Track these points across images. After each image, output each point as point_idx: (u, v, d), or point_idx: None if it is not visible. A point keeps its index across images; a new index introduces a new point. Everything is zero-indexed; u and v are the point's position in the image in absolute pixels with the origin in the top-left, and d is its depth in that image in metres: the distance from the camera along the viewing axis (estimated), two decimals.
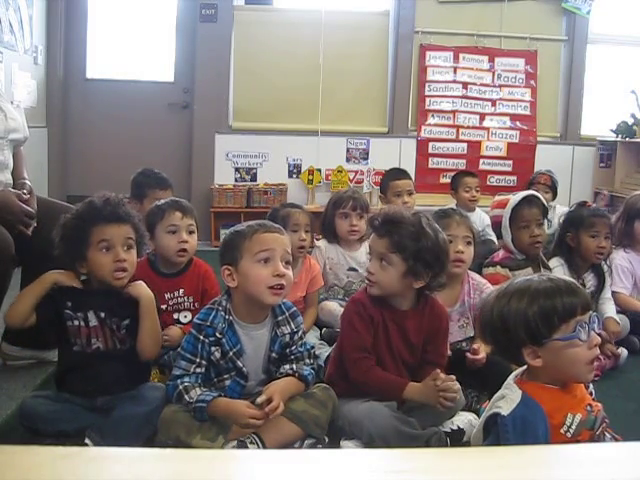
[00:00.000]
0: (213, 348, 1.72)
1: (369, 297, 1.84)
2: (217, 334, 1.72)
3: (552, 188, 3.88)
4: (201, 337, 1.72)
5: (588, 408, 1.35)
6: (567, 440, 1.28)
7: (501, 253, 2.60)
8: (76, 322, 1.75)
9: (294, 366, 1.78)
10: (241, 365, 1.74)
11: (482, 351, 2.00)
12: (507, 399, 1.33)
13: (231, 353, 1.73)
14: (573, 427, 1.30)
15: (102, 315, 1.77)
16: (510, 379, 1.40)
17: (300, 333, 1.82)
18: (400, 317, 1.84)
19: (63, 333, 1.77)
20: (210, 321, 1.73)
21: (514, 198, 2.56)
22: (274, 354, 1.78)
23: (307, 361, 1.81)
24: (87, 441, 1.64)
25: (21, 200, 2.09)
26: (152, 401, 1.72)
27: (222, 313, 1.74)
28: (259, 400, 1.62)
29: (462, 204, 3.69)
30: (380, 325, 1.82)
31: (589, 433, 1.34)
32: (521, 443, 1.25)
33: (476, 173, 4.04)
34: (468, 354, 2.00)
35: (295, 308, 1.85)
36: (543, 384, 1.34)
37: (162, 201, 2.34)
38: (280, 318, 1.80)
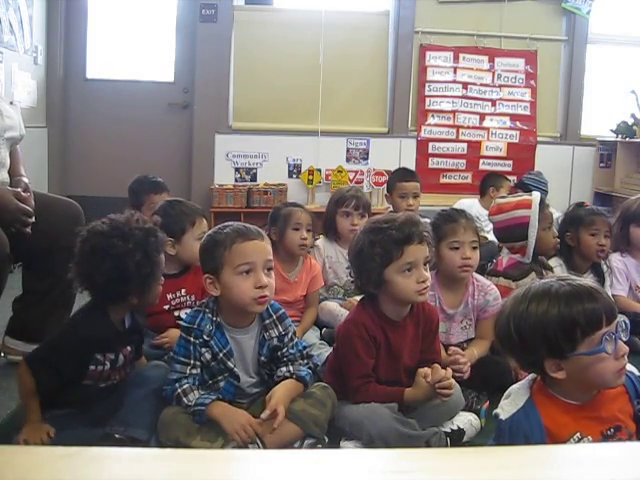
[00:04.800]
0: (203, 349, 1.72)
1: (369, 315, 1.81)
2: (205, 337, 1.71)
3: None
4: (191, 339, 1.71)
5: (609, 432, 1.23)
6: None
7: (505, 260, 2.53)
8: (100, 367, 1.70)
9: (291, 368, 1.76)
10: (232, 366, 1.73)
11: (467, 362, 1.99)
12: (510, 401, 1.28)
13: (221, 354, 1.72)
14: None
15: (129, 349, 1.77)
16: (528, 379, 1.32)
17: (290, 335, 1.80)
18: (401, 327, 1.84)
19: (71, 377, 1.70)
20: (197, 324, 1.72)
21: (535, 199, 2.48)
22: (263, 358, 1.77)
23: (300, 362, 1.79)
24: (116, 435, 1.65)
25: (20, 198, 2.08)
26: (157, 378, 1.74)
27: (209, 315, 1.73)
28: (264, 416, 1.61)
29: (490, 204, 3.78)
30: (383, 343, 1.81)
31: None
32: None
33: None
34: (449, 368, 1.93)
35: (283, 310, 1.82)
36: (559, 396, 1.25)
37: (181, 203, 2.34)
38: (267, 321, 1.78)
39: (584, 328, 1.18)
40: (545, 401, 1.25)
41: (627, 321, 1.25)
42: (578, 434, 1.22)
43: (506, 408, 1.27)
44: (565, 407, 1.25)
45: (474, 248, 2.16)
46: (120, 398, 1.74)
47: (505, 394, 1.33)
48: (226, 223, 1.76)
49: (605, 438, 1.23)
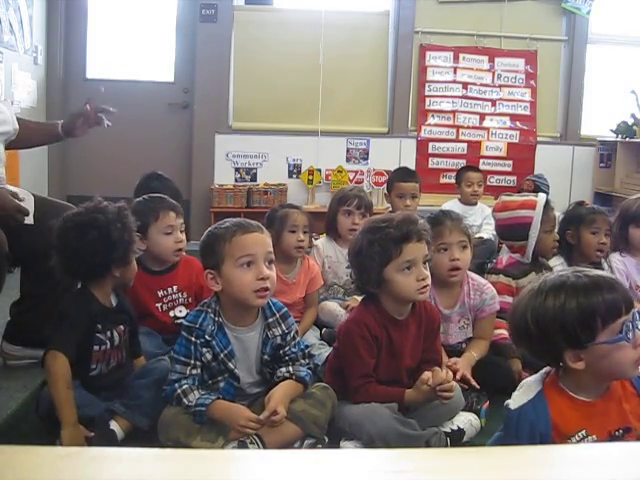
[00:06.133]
0: (204, 349, 1.71)
1: (372, 314, 1.81)
2: (206, 336, 1.71)
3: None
4: (192, 339, 1.71)
5: (618, 433, 1.24)
6: None
7: (505, 258, 2.52)
8: (103, 347, 1.78)
9: (291, 368, 1.76)
10: (232, 367, 1.73)
11: (460, 368, 1.99)
12: (522, 392, 1.29)
13: (222, 355, 1.72)
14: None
15: (122, 328, 1.82)
16: (541, 372, 1.32)
17: (292, 334, 1.80)
18: (403, 327, 1.83)
19: (80, 362, 1.74)
20: (199, 323, 1.72)
21: (540, 201, 2.46)
22: (266, 356, 1.77)
23: (302, 362, 1.79)
24: (112, 426, 1.69)
25: (16, 197, 2.09)
26: (160, 371, 1.80)
27: (211, 315, 1.73)
28: (263, 417, 1.60)
29: (464, 198, 3.81)
30: (385, 342, 1.80)
31: None
32: (521, 439, 1.22)
33: (479, 168, 4.15)
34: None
35: (286, 309, 1.83)
36: (571, 391, 1.25)
37: (149, 199, 2.30)
38: (271, 320, 1.78)
39: (604, 317, 1.19)
40: (555, 395, 1.26)
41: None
42: (583, 431, 1.23)
43: (517, 399, 1.28)
44: (575, 403, 1.25)
45: (464, 247, 2.14)
46: (122, 390, 1.79)
47: (518, 386, 1.34)
48: (225, 219, 1.76)
49: (613, 439, 1.23)
